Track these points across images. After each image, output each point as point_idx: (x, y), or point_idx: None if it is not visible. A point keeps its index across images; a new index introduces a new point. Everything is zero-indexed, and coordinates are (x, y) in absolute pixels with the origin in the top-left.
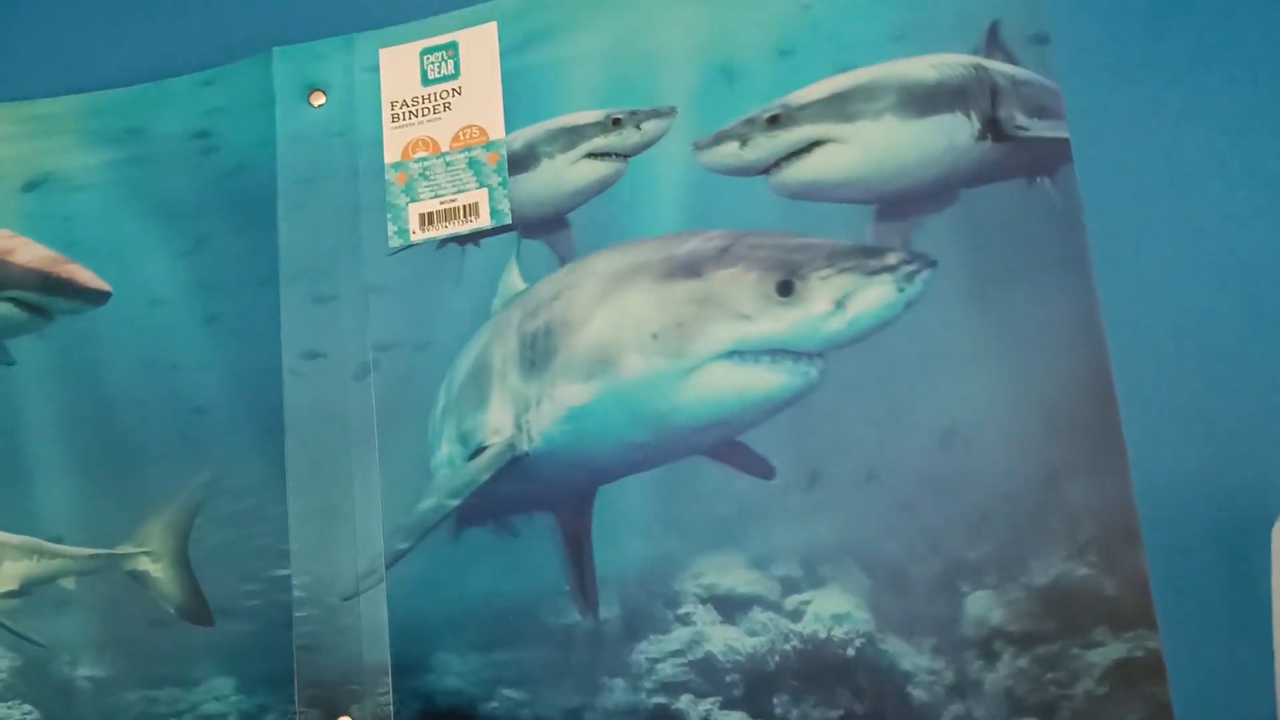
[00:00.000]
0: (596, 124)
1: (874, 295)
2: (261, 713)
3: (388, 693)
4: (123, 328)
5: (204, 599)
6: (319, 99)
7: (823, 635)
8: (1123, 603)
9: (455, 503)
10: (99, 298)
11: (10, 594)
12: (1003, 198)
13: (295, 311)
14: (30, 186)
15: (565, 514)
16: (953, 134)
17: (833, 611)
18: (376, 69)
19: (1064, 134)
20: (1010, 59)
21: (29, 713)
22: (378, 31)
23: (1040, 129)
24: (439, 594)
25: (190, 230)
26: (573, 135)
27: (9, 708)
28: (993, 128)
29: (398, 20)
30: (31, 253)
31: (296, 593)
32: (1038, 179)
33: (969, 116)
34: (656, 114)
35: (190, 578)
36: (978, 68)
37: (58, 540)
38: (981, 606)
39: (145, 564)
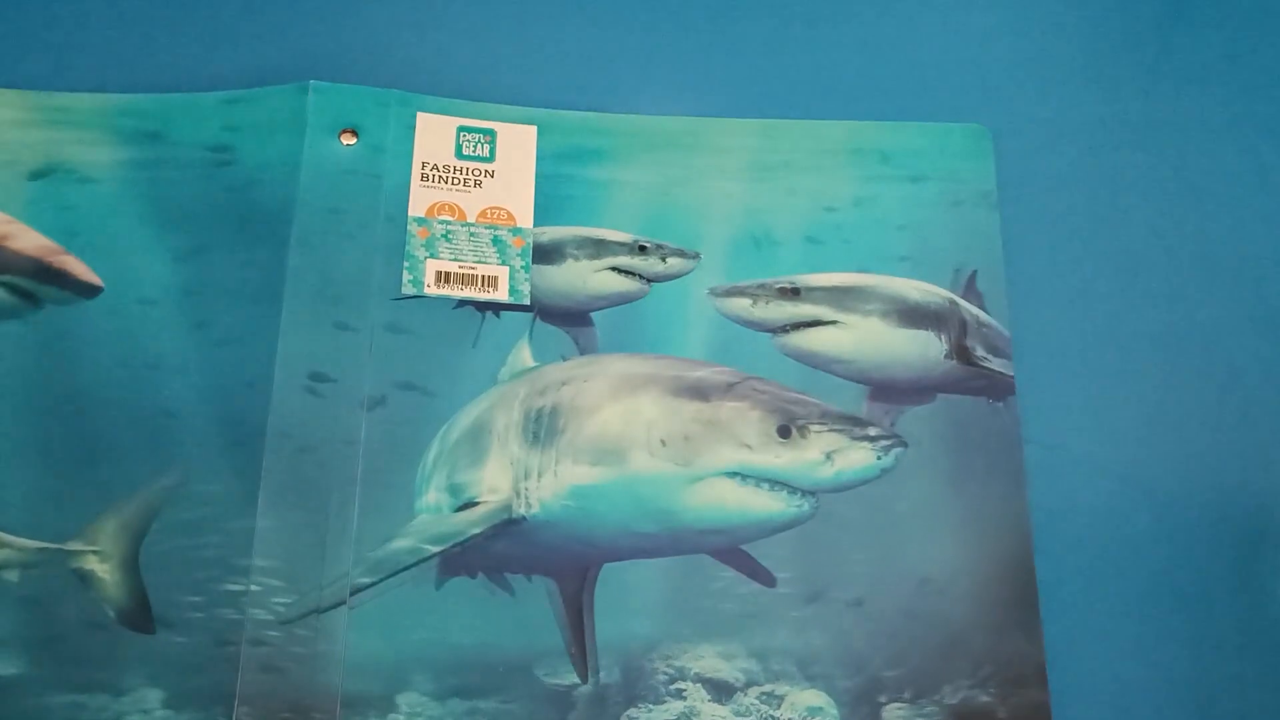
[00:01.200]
0: (624, 244)
1: (856, 457)
2: None
3: None
4: (109, 323)
5: (148, 605)
6: (350, 139)
7: None
8: None
9: (436, 549)
10: (90, 291)
11: None
12: (968, 408)
13: (304, 333)
14: (37, 175)
15: (567, 583)
16: (927, 348)
17: (809, 704)
18: (412, 128)
19: (1010, 373)
20: (980, 304)
21: None
22: (418, 96)
23: (995, 364)
24: (412, 635)
25: (192, 237)
26: (600, 247)
27: None
28: (960, 352)
29: (431, 89)
30: (29, 240)
31: (254, 610)
32: (992, 401)
33: (940, 338)
34: (682, 254)
35: (137, 582)
36: (953, 302)
37: (3, 529)
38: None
39: (92, 563)
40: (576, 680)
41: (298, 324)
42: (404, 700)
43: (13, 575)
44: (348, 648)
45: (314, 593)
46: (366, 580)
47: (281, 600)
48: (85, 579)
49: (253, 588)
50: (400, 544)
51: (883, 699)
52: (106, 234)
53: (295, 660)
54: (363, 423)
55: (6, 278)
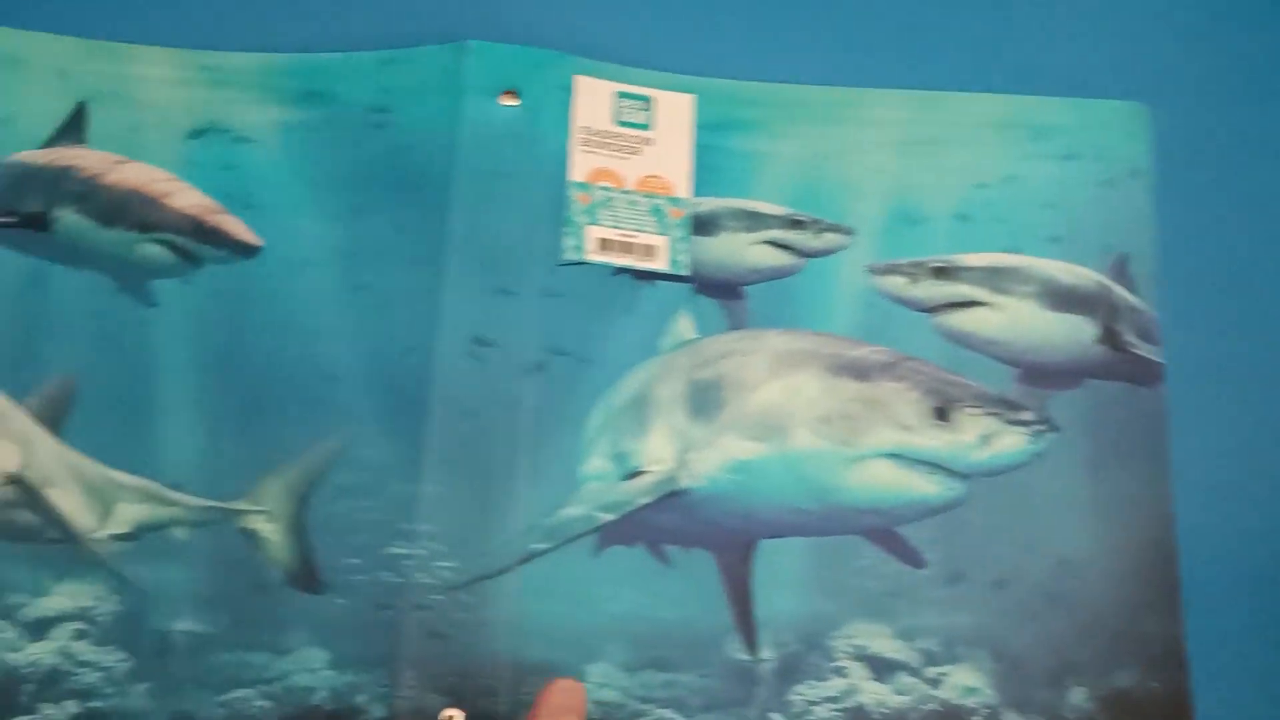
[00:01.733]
0: (779, 218)
1: (1010, 441)
2: (352, 691)
3: (530, 692)
4: (269, 284)
5: (315, 567)
6: (510, 100)
7: (956, 702)
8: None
9: (607, 518)
10: (249, 251)
11: (122, 536)
12: (1116, 394)
13: (466, 297)
14: (195, 134)
15: (726, 557)
16: (1078, 332)
17: (965, 684)
18: (569, 90)
19: (1160, 359)
20: (1130, 287)
21: (123, 660)
22: (575, 58)
23: (1144, 350)
24: (578, 604)
25: (351, 198)
26: (755, 219)
27: (105, 652)
28: (1109, 337)
29: (589, 53)
30: (188, 198)
31: (418, 575)
32: (1140, 387)
33: (1091, 322)
34: (836, 229)
35: (304, 544)
36: (1104, 286)
37: (176, 487)
38: (1079, 698)
39: (259, 523)
40: (748, 655)
41: (459, 288)
42: (593, 670)
43: (181, 533)
44: (521, 615)
45: (479, 558)
46: (541, 547)
47: (447, 565)
48: (253, 539)
49: (417, 552)
50: (572, 511)
51: (1029, 679)
52: (265, 194)
53: (460, 626)
54: (524, 388)
55: (166, 235)
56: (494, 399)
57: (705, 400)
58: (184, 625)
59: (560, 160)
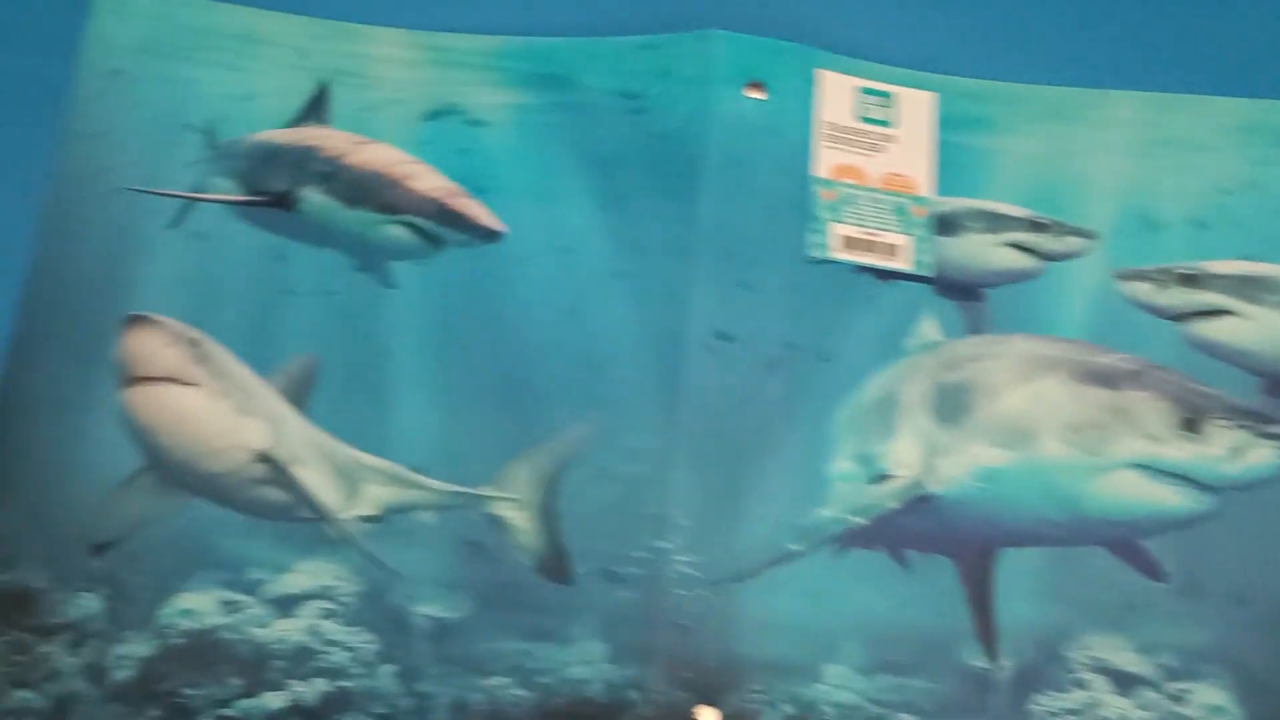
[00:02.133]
0: (1021, 220)
1: (1261, 454)
2: (605, 682)
3: (763, 691)
4: (524, 267)
5: (566, 556)
6: (756, 92)
7: None
8: None
9: (860, 521)
10: (492, 235)
11: (369, 518)
12: None
13: (711, 289)
14: (431, 116)
15: (967, 564)
16: None
17: (1211, 702)
18: (810, 83)
19: None
20: None
21: (369, 642)
22: (818, 51)
23: None
24: (823, 605)
25: (611, 185)
26: (996, 221)
27: (352, 633)
28: None
29: (834, 46)
30: (430, 180)
31: (678, 569)
32: None
33: None
34: (1079, 232)
35: (554, 531)
36: None
37: (421, 471)
38: None
39: (509, 510)
40: (969, 658)
41: (706, 279)
42: (830, 671)
43: (427, 517)
44: (764, 611)
45: (728, 551)
46: (797, 548)
47: (696, 559)
48: (500, 526)
49: (670, 545)
50: (825, 513)
51: (1277, 700)
52: (501, 177)
53: (715, 621)
54: (766, 382)
55: (408, 218)
56: (739, 394)
57: (952, 404)
58: (431, 610)
59: (803, 154)
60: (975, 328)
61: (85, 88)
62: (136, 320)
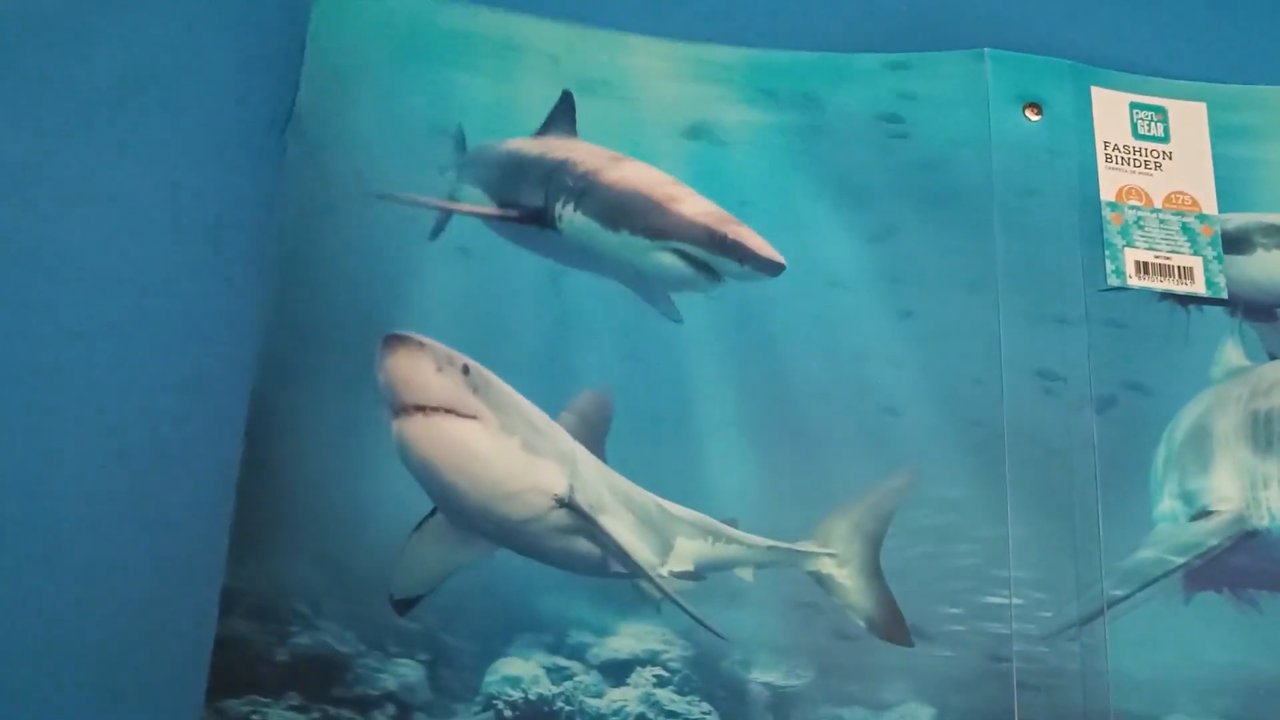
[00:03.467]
0: None
1: None
2: None
3: None
4: (799, 305)
5: (900, 615)
6: (1033, 114)
7: None
8: None
9: (1179, 561)
10: (773, 269)
11: (685, 574)
12: None
13: (1021, 325)
14: (691, 133)
15: None
16: None
17: None
18: (1086, 103)
19: None
20: None
21: (708, 712)
22: (1089, 68)
23: None
24: (1166, 653)
25: (877, 216)
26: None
27: (688, 703)
28: None
29: (1094, 59)
30: (697, 205)
31: (1019, 624)
32: None
33: None
34: None
35: (883, 589)
36: None
37: (731, 523)
38: None
39: (829, 567)
40: None
41: (1013, 315)
42: None
43: (746, 574)
44: (1114, 666)
45: (1068, 604)
46: (1120, 593)
47: (1042, 614)
48: (824, 583)
49: (1015, 600)
50: (1145, 554)
51: None
52: (765, 202)
53: (1062, 677)
54: (1094, 423)
55: (678, 244)
56: (1067, 436)
57: (1268, 433)
58: (766, 675)
59: (1084, 177)
60: (1275, 348)
61: (322, 92)
62: (399, 340)
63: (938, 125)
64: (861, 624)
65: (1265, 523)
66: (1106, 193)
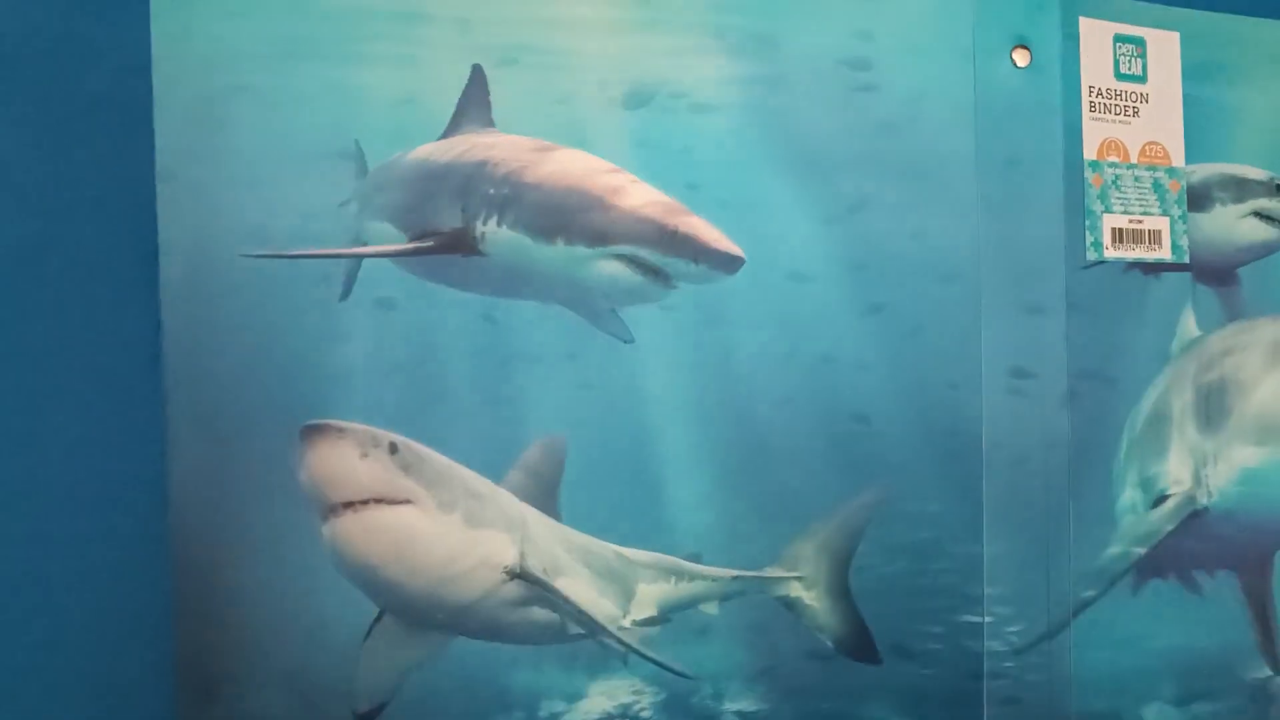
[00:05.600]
0: (1262, 184)
1: None
2: None
3: None
4: (758, 305)
5: (869, 633)
6: (1023, 58)
7: None
8: None
9: (1140, 551)
10: (730, 264)
11: (648, 620)
12: None
13: (1001, 319)
14: (636, 101)
15: (1246, 573)
16: None
17: None
18: (1076, 38)
19: None
20: None
21: None
22: None
23: None
24: (1125, 647)
25: (842, 190)
26: (1241, 188)
27: None
28: None
29: None
30: (641, 195)
31: (990, 642)
32: None
33: None
34: None
35: (852, 609)
36: None
37: (694, 558)
38: None
39: (797, 590)
40: (1269, 673)
41: (995, 308)
42: (1148, 712)
43: (711, 609)
44: (1076, 666)
45: (1039, 617)
46: (1091, 594)
47: (1014, 629)
48: (792, 607)
49: (987, 619)
50: (1111, 551)
51: None
52: (732, 183)
53: (1033, 688)
54: (1061, 421)
55: (625, 249)
56: (1038, 439)
57: (1213, 407)
58: (735, 705)
59: (1071, 132)
60: (1233, 314)
61: (184, 121)
62: (315, 432)
63: (907, 73)
64: (829, 644)
65: (1206, 500)
66: (1089, 150)
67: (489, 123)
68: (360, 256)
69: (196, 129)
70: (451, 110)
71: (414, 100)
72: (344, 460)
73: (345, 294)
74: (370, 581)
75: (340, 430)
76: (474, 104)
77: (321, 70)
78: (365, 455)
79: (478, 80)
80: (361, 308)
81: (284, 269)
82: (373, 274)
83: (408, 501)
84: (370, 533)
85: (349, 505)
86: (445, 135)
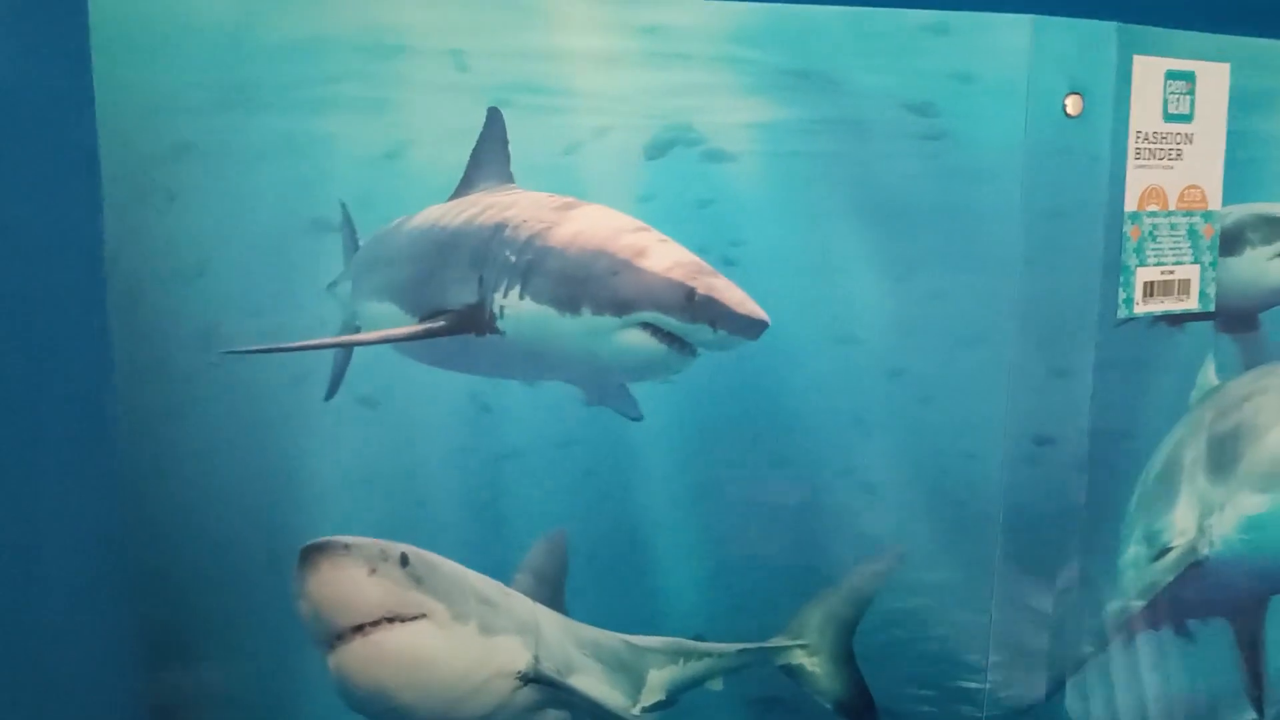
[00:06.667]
0: None
1: None
2: None
3: None
4: (791, 367)
5: (870, 698)
6: (1075, 105)
7: None
8: None
9: (1139, 604)
10: (753, 330)
11: (658, 705)
12: None
13: (1027, 384)
14: (657, 149)
15: (1240, 619)
16: None
17: None
18: (1129, 77)
19: None
20: None
21: None
22: (1133, 28)
23: None
24: (1121, 699)
25: (900, 247)
26: (1273, 228)
27: None
28: None
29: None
30: (669, 255)
31: (991, 712)
32: None
33: None
34: None
35: (854, 674)
36: None
37: (697, 637)
38: None
39: (800, 657)
40: (1254, 715)
41: (1022, 373)
42: None
43: (716, 685)
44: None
45: (1040, 679)
46: (1089, 649)
47: (1012, 694)
48: (794, 674)
49: (988, 686)
50: (1112, 606)
51: None
52: (752, 237)
53: None
54: (1082, 487)
55: (648, 315)
56: (1055, 505)
57: (1223, 455)
58: None
59: (1116, 182)
60: (1253, 359)
61: (131, 197)
62: (318, 553)
63: (972, 121)
64: (829, 707)
65: (1207, 550)
66: (1130, 200)
67: (508, 177)
68: (358, 345)
69: (143, 206)
70: (448, 159)
71: (398, 149)
72: (351, 581)
73: (331, 393)
74: (382, 710)
75: (346, 547)
76: (490, 154)
77: (274, 118)
78: (374, 571)
79: (494, 125)
80: (342, 409)
81: (255, 369)
82: (360, 369)
83: (422, 616)
84: (383, 656)
85: (358, 629)
86: (457, 194)
